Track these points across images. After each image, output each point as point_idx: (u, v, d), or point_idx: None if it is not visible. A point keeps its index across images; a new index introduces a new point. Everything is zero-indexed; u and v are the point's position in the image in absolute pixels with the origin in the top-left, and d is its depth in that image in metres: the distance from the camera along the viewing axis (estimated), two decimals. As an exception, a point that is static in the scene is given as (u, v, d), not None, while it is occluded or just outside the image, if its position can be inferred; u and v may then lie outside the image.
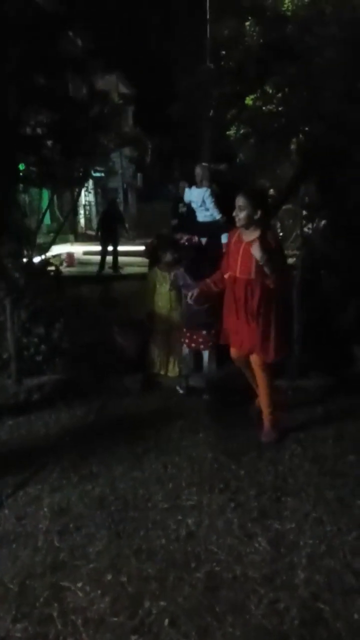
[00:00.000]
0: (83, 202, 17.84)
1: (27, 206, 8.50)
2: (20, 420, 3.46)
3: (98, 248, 11.06)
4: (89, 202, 18.60)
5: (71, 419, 3.51)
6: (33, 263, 4.86)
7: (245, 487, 2.64)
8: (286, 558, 2.12)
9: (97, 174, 12.67)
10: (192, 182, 5.74)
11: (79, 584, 1.96)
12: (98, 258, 10.78)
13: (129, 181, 18.66)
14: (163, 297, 4.33)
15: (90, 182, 15.28)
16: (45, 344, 4.18)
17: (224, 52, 8.30)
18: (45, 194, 10.74)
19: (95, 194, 18.37)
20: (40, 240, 7.35)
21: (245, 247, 3.08)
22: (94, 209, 19.01)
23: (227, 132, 8.69)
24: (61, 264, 10.29)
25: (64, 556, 2.12)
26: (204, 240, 4.91)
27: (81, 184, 10.58)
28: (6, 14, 5.48)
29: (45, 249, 7.06)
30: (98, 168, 10.69)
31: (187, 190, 5.60)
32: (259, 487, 2.64)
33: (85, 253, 13.94)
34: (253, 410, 3.45)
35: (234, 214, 3.12)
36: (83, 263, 12.45)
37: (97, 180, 16.29)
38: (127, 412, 3.65)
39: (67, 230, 14.15)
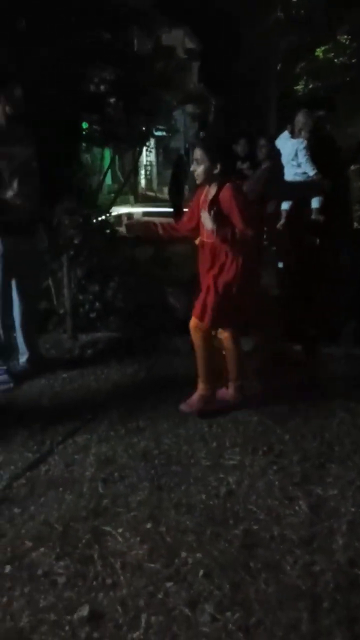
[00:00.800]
0: (144, 163, 17.74)
1: (89, 166, 8.54)
2: (73, 374, 3.57)
3: (157, 209, 11.01)
4: (150, 162, 18.47)
5: (122, 376, 3.59)
6: (90, 222, 4.91)
7: (289, 452, 2.62)
8: (325, 523, 2.10)
9: (159, 133, 12.48)
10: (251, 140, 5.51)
11: (119, 530, 2.04)
12: (158, 219, 10.74)
13: (191, 140, 18.31)
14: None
15: (152, 141, 15.11)
16: (99, 302, 4.28)
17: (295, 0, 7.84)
18: (107, 154, 10.73)
19: (157, 154, 18.18)
20: (101, 200, 7.42)
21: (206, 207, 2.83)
22: (154, 170, 18.87)
23: (295, 87, 8.28)
24: (120, 224, 10.35)
25: (106, 503, 2.21)
26: (286, 205, 4.59)
27: (143, 142, 10.48)
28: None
29: (106, 209, 7.12)
30: (160, 127, 10.52)
31: (281, 137, 4.94)
32: (303, 452, 2.61)
33: (145, 214, 13.94)
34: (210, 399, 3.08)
35: (192, 168, 2.88)
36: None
37: (159, 140, 16.08)
38: (176, 372, 3.68)
39: (127, 191, 14.16)
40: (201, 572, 1.85)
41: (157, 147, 17.50)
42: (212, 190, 2.84)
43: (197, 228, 2.94)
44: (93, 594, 1.76)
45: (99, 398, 3.24)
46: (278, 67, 8.49)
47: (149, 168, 18.75)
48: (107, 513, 2.15)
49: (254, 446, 2.67)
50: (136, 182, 16.52)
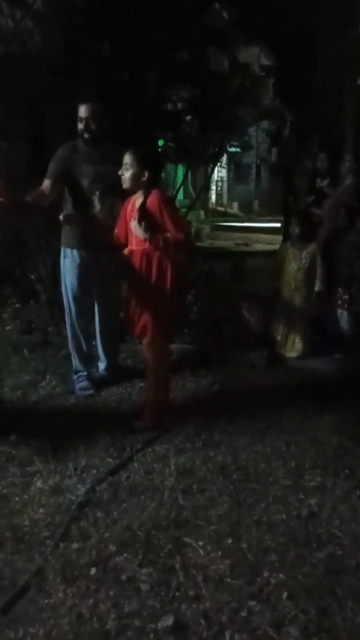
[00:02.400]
0: (215, 178, 17.91)
1: (162, 181, 8.74)
2: (149, 384, 3.62)
3: (227, 224, 11.05)
4: (221, 177, 18.62)
5: (196, 388, 3.61)
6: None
7: (373, 476, 2.52)
8: None
9: (232, 149, 12.57)
10: (331, 156, 5.44)
11: (200, 543, 2.03)
12: (228, 234, 10.80)
13: (263, 156, 18.30)
14: (289, 275, 4.25)
15: (224, 157, 15.23)
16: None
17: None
18: (180, 170, 10.91)
19: (228, 170, 18.31)
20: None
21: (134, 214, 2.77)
22: (225, 185, 19.01)
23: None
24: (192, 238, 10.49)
25: (187, 514, 2.22)
26: None
27: (216, 159, 10.60)
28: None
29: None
30: (234, 143, 10.60)
31: None
32: (389, 478, 2.50)
33: (215, 228, 14.05)
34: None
35: (119, 172, 2.79)
36: (212, 239, 12.57)
37: (230, 155, 16.19)
38: (250, 387, 3.66)
39: (198, 206, 14.33)
40: (285, 594, 1.81)
41: (228, 163, 17.62)
42: (139, 197, 2.79)
43: (127, 236, 2.91)
44: (176, 605, 1.77)
45: (175, 409, 3.26)
46: (358, 82, 8.33)
47: (219, 183, 18.91)
48: (188, 524, 2.15)
49: (334, 468, 2.59)
50: (207, 197, 16.69)
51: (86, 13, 5.85)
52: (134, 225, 2.70)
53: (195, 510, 2.24)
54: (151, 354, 2.97)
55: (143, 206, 2.71)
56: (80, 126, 3.20)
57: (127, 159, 2.76)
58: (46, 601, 1.79)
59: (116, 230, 2.97)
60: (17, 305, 4.74)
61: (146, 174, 2.74)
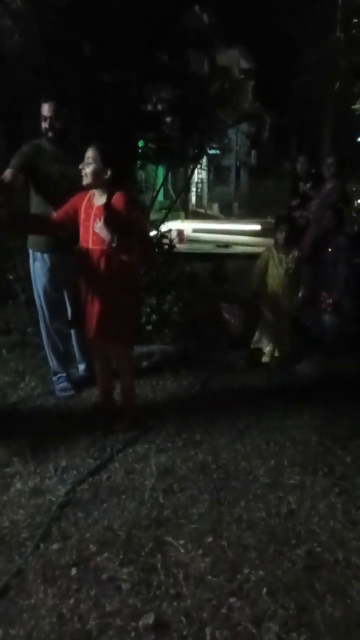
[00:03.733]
0: (195, 180, 17.98)
1: (142, 182, 8.73)
2: (130, 384, 3.62)
3: (207, 226, 11.10)
4: (201, 179, 18.70)
5: (177, 388, 3.62)
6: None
7: (351, 474, 2.56)
8: (393, 550, 2.04)
9: (212, 151, 12.63)
10: (311, 159, 5.50)
11: (181, 541, 2.05)
12: (207, 236, 10.84)
13: (242, 159, 18.43)
14: (275, 279, 4.28)
15: (204, 159, 15.30)
16: (156, 315, 4.33)
17: (355, 20, 7.83)
18: (161, 171, 10.92)
19: (208, 172, 18.41)
20: (152, 216, 7.55)
21: (96, 213, 2.67)
22: (205, 187, 19.09)
23: (353, 107, 8.22)
24: (172, 240, 10.50)
25: (167, 513, 2.23)
26: None
27: (197, 160, 10.62)
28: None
29: (157, 225, 7.25)
30: (214, 145, 10.64)
31: None
32: (366, 475, 2.55)
33: (195, 230, 14.09)
34: (103, 404, 3.12)
35: (80, 166, 2.69)
36: (192, 240, 12.60)
37: (210, 157, 16.28)
38: (231, 387, 3.69)
39: (178, 207, 14.36)
40: (265, 590, 1.84)
41: (208, 165, 17.70)
42: (98, 195, 2.71)
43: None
44: (157, 603, 1.78)
45: (155, 409, 3.27)
46: (336, 87, 8.46)
47: (199, 185, 18.98)
48: (169, 523, 2.16)
49: (314, 467, 2.63)
50: (187, 198, 16.73)
51: (66, 12, 5.81)
52: (98, 226, 2.60)
53: (176, 509, 2.25)
54: (118, 355, 2.98)
55: (108, 206, 2.63)
56: (44, 125, 3.14)
57: (90, 153, 2.65)
58: (27, 602, 1.78)
59: (55, 216, 2.86)
60: (-4, 305, 4.68)
61: (108, 171, 2.66)
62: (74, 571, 1.91)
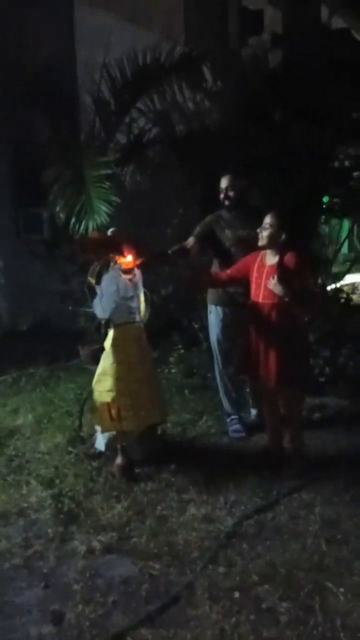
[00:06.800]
0: (383, 231, 17.28)
1: (326, 236, 8.82)
2: (300, 434, 3.72)
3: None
4: (390, 230, 17.88)
5: (349, 443, 3.59)
6: (325, 290, 5.12)
7: None
8: None
9: None
10: None
11: (342, 589, 2.09)
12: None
13: None
14: None
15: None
16: (330, 367, 4.38)
17: None
18: (346, 224, 10.86)
19: None
20: (335, 269, 7.58)
21: (268, 271, 2.99)
22: (394, 238, 18.16)
23: None
24: (354, 292, 10.25)
25: (329, 561, 2.28)
26: None
27: (383, 213, 10.33)
28: (335, 56, 5.80)
29: (340, 277, 7.24)
30: None
31: None
32: None
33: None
34: (274, 451, 3.23)
35: (257, 230, 3.02)
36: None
37: None
38: None
39: (363, 259, 13.94)
40: None
41: None
42: (270, 255, 3.02)
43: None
44: (313, 642, 1.86)
45: (324, 461, 3.31)
46: None
47: (387, 236, 18.16)
48: (330, 571, 2.22)
49: None
50: (373, 250, 16.12)
51: (260, 87, 6.38)
52: (272, 283, 2.93)
53: (338, 560, 2.30)
54: (290, 403, 3.16)
55: (281, 265, 2.95)
56: (221, 195, 3.61)
57: (268, 219, 3.01)
58: (194, 612, 2.03)
59: (229, 272, 3.25)
60: (182, 351, 5.23)
61: (283, 235, 2.99)
62: (236, 595, 2.10)
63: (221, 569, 2.25)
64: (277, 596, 2.07)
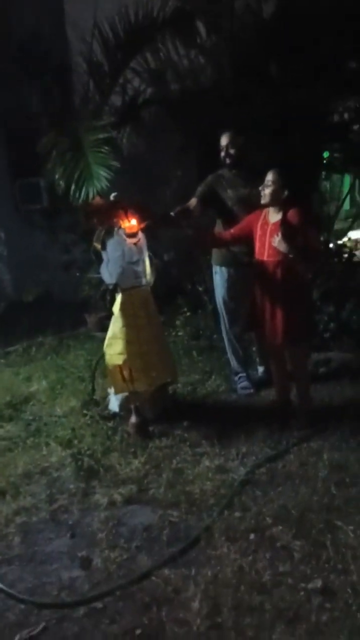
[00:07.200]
0: (384, 185, 17.05)
1: (327, 192, 8.73)
2: (307, 387, 3.83)
3: None
4: (392, 184, 17.64)
5: (355, 393, 3.69)
6: (328, 247, 5.15)
7: None
8: None
9: None
10: None
11: (351, 527, 2.22)
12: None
13: None
14: None
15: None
16: (334, 323, 4.45)
17: None
18: (347, 180, 10.70)
19: None
20: (338, 225, 7.55)
21: (272, 229, 2.99)
22: None
23: None
24: (356, 247, 10.23)
25: (338, 502, 2.41)
26: None
27: (385, 166, 10.19)
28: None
29: (342, 233, 7.23)
30: None
31: None
32: None
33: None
34: (282, 405, 3.34)
35: (259, 188, 3.02)
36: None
37: None
38: None
39: (365, 215, 13.82)
40: None
41: None
42: (273, 212, 3.04)
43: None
44: (325, 573, 2.00)
45: (331, 411, 3.41)
46: None
47: (389, 191, 17.91)
48: (340, 511, 2.35)
49: None
50: (374, 205, 15.95)
51: (254, 40, 6.21)
52: (277, 240, 2.93)
53: (347, 500, 2.42)
54: (296, 359, 3.24)
55: (285, 223, 2.96)
56: (222, 153, 3.58)
57: (270, 176, 3.00)
58: (213, 552, 2.17)
59: (232, 232, 3.26)
60: (188, 314, 5.30)
61: (286, 191, 2.99)
62: (252, 536, 2.23)
63: (237, 514, 2.38)
64: (290, 535, 2.21)
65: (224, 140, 3.58)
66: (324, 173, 7.20)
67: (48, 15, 5.90)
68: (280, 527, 2.26)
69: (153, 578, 2.05)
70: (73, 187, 4.68)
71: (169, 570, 2.08)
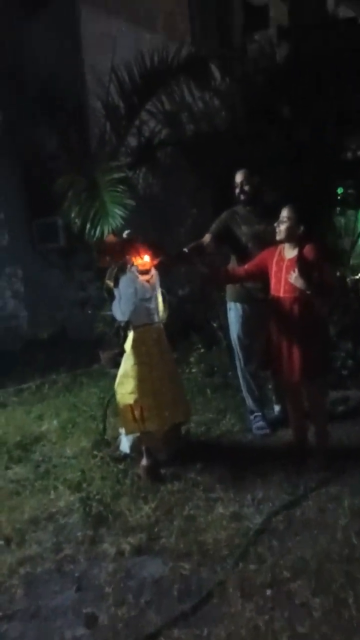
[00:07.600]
0: None
1: (342, 228, 8.73)
2: (325, 428, 3.70)
3: None
4: None
5: (375, 435, 3.56)
6: (344, 283, 5.08)
7: None
8: None
9: None
10: None
11: (374, 582, 2.07)
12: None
13: None
14: None
15: None
16: (351, 360, 4.34)
17: None
18: (361, 215, 10.69)
19: None
20: (353, 260, 7.50)
21: (288, 265, 2.96)
22: None
23: None
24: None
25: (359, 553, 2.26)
26: None
27: None
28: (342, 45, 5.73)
29: (358, 268, 7.16)
30: None
31: None
32: None
33: None
34: (299, 446, 3.22)
35: (275, 224, 3.01)
36: None
37: None
38: None
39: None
40: None
41: None
42: (289, 248, 3.00)
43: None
44: (348, 635, 1.84)
45: (349, 452, 3.28)
46: None
47: None
48: (361, 563, 2.20)
49: None
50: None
51: (267, 82, 6.35)
52: (294, 277, 2.89)
53: (369, 552, 2.27)
54: (313, 396, 3.14)
55: (301, 259, 2.93)
56: (237, 191, 3.59)
57: (285, 212, 2.99)
58: (227, 609, 2.03)
59: (247, 268, 3.22)
60: (202, 350, 5.24)
61: (301, 227, 2.96)
62: (268, 592, 2.09)
63: (252, 566, 2.24)
64: (309, 591, 2.06)
65: (238, 178, 3.59)
66: (338, 209, 7.22)
67: (66, 59, 6.12)
68: (299, 582, 2.12)
69: (162, 639, 1.92)
70: (88, 225, 4.75)
71: (180, 630, 1.95)
